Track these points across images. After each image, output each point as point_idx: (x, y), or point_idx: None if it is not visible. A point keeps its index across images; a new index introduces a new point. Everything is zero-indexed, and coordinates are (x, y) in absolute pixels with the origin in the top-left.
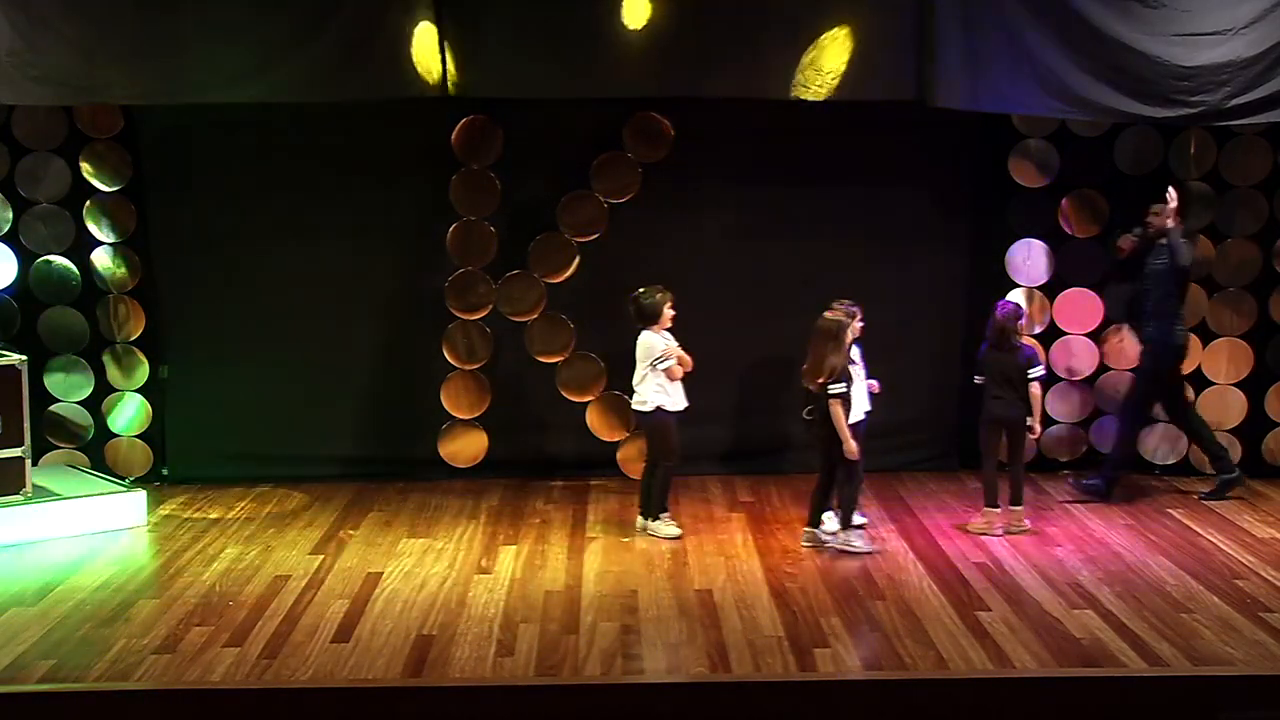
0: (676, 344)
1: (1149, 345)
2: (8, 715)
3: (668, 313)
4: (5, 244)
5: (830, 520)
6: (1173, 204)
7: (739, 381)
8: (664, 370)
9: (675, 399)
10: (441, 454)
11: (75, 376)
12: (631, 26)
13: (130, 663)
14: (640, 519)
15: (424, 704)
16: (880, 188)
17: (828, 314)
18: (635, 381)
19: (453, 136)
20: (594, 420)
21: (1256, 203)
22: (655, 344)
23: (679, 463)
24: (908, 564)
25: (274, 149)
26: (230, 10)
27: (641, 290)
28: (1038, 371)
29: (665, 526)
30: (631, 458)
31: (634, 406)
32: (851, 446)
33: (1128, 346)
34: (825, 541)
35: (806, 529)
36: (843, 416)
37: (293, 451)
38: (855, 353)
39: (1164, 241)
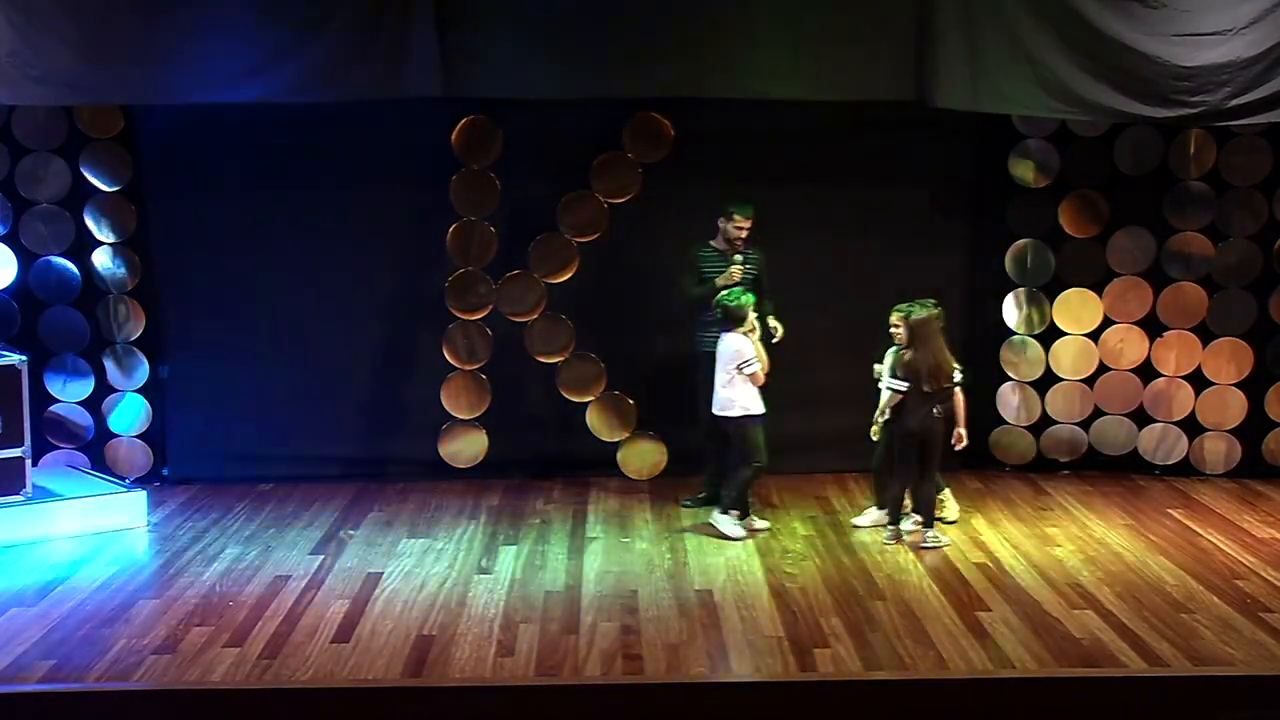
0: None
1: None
2: (8, 715)
3: (751, 316)
4: (5, 244)
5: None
6: (742, 230)
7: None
8: (750, 374)
9: (759, 403)
10: (441, 454)
11: (75, 376)
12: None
13: (130, 663)
14: (716, 514)
15: (424, 704)
16: (880, 188)
17: (917, 312)
18: (719, 385)
19: (453, 136)
20: (594, 420)
21: (1256, 203)
22: (743, 347)
23: (767, 463)
24: (908, 564)
25: (274, 149)
26: (230, 10)
27: (726, 292)
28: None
29: (732, 526)
30: (632, 458)
31: (716, 412)
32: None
33: (1126, 348)
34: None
35: (893, 526)
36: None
37: (293, 451)
38: None
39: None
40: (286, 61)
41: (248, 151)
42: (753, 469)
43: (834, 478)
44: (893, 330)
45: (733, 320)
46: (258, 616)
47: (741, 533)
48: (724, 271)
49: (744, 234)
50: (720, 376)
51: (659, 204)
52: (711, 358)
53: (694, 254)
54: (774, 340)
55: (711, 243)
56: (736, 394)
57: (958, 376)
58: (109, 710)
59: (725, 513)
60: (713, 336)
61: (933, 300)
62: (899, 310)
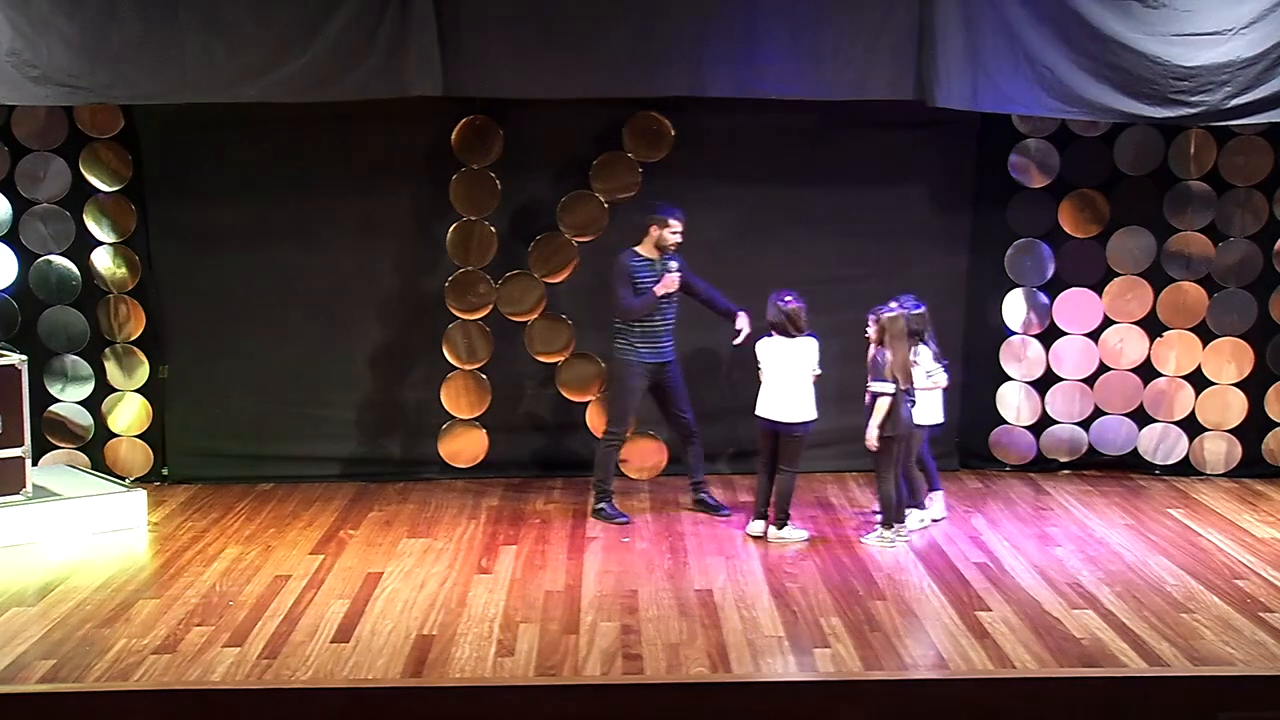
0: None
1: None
2: (8, 715)
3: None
4: (5, 244)
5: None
6: (678, 235)
7: (739, 381)
8: (815, 377)
9: None
10: (441, 454)
11: (75, 376)
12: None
13: (130, 663)
14: (757, 523)
15: (424, 704)
16: (880, 188)
17: (889, 313)
18: (791, 390)
19: (453, 136)
20: (594, 420)
21: (1256, 203)
22: (815, 350)
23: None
24: (908, 564)
25: (274, 149)
26: (230, 10)
27: (787, 296)
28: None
29: (795, 531)
30: (632, 458)
31: (784, 419)
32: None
33: (1126, 348)
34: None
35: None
36: None
37: (293, 451)
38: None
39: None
40: (286, 61)
41: (247, 151)
42: (792, 476)
43: (834, 477)
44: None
45: (796, 326)
46: (258, 616)
47: (804, 532)
48: (658, 279)
49: (680, 239)
50: (795, 381)
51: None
52: (648, 368)
53: (626, 264)
54: (737, 342)
55: (639, 250)
56: (809, 398)
57: (936, 378)
58: (109, 710)
59: (783, 527)
60: (653, 347)
61: (913, 298)
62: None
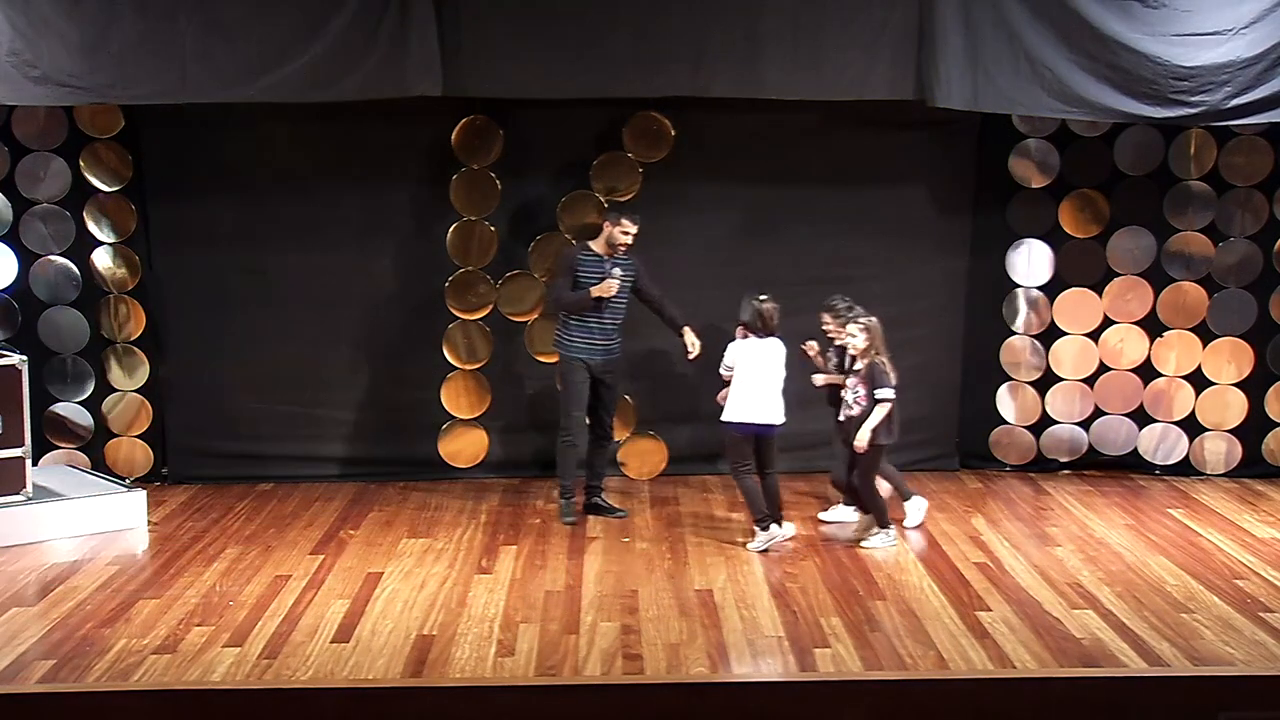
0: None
1: (618, 359)
2: (8, 715)
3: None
4: (5, 244)
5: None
6: (629, 236)
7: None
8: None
9: None
10: (441, 454)
11: (75, 376)
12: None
13: (130, 663)
14: (774, 527)
15: (424, 704)
16: (880, 188)
17: (873, 320)
18: (777, 391)
19: (453, 136)
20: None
21: (1256, 203)
22: (783, 351)
23: None
24: (908, 564)
25: (274, 149)
26: (230, 10)
27: (761, 295)
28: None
29: (785, 530)
30: (632, 458)
31: (776, 420)
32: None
33: (1126, 348)
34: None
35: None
36: None
37: (293, 451)
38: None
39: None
40: (286, 61)
41: (247, 151)
42: (776, 477)
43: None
44: (848, 337)
45: (768, 326)
46: (258, 616)
47: (791, 526)
48: (601, 277)
49: (630, 240)
50: (770, 382)
51: (659, 204)
52: (586, 365)
53: (572, 256)
54: (691, 357)
55: (591, 245)
56: (780, 398)
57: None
58: (109, 710)
59: (780, 525)
60: (587, 345)
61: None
62: (853, 319)
